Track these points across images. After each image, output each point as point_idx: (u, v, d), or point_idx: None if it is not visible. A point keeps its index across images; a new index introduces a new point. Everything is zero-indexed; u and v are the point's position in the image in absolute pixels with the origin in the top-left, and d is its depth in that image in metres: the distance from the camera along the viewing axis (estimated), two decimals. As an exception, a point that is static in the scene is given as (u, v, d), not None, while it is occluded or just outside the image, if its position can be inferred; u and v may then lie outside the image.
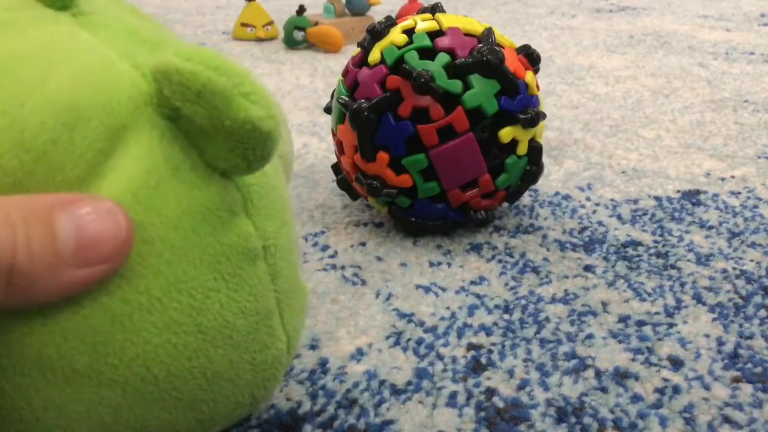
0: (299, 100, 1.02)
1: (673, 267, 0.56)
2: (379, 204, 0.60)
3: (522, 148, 0.58)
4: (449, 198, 0.58)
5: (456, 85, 0.54)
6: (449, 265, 0.57)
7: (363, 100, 0.56)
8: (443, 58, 0.55)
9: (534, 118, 0.57)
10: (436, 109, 0.54)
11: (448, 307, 0.51)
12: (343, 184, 0.64)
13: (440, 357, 0.45)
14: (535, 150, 0.59)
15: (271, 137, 0.21)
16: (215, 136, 0.21)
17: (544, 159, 0.78)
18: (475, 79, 0.55)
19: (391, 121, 0.55)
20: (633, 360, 0.45)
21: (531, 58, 0.60)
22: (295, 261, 0.27)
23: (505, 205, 0.67)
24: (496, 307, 0.51)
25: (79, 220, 0.21)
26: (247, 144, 0.21)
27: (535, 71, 0.60)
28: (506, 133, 0.56)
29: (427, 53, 0.56)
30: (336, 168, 0.66)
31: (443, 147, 0.55)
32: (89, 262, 0.21)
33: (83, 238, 0.21)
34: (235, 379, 0.25)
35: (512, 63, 0.57)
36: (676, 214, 0.65)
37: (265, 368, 0.26)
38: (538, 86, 0.60)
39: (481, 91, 0.55)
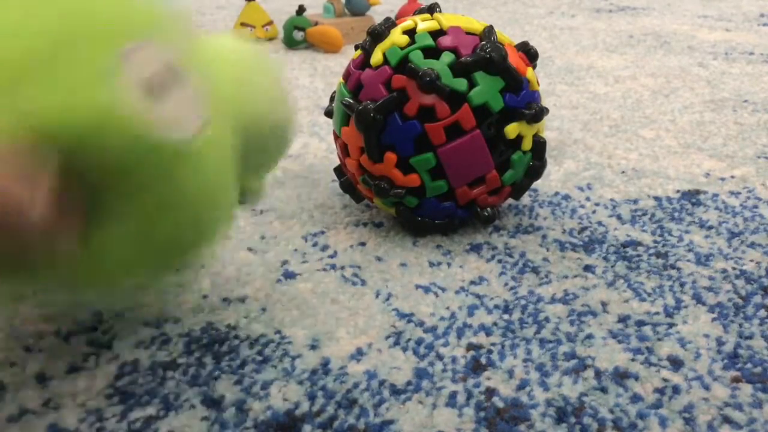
0: (299, 100, 1.02)
1: (672, 267, 0.56)
2: (385, 205, 0.60)
3: (527, 144, 0.58)
4: (457, 196, 0.58)
5: (461, 83, 0.55)
6: (449, 265, 0.57)
7: (368, 101, 0.56)
8: (447, 56, 0.55)
9: (538, 113, 0.57)
10: (443, 108, 0.54)
11: (447, 307, 0.51)
12: (347, 186, 0.64)
13: (440, 357, 0.45)
14: (540, 145, 0.60)
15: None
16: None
17: (544, 159, 0.79)
18: (480, 76, 0.55)
19: (398, 120, 0.55)
20: (633, 360, 0.45)
21: (529, 54, 0.60)
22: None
23: (505, 205, 0.67)
24: (496, 307, 0.51)
25: None
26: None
27: (533, 67, 0.61)
28: (512, 129, 0.56)
29: (431, 52, 0.56)
30: (339, 171, 0.66)
31: (451, 145, 0.55)
32: None
33: None
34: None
35: (514, 60, 0.57)
36: (676, 214, 0.65)
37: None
38: (537, 82, 0.60)
39: (486, 89, 0.55)
